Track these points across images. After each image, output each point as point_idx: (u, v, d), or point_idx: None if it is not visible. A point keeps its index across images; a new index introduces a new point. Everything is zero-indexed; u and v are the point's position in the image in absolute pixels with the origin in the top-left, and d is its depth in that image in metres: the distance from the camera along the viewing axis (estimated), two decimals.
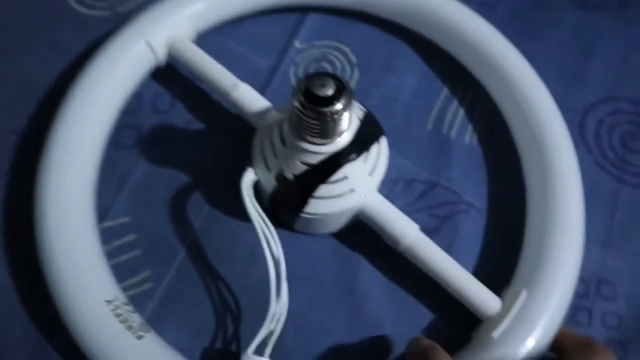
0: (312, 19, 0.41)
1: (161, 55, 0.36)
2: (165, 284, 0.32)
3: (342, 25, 0.41)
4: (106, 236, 0.33)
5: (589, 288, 0.34)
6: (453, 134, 0.37)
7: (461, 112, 0.38)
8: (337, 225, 0.33)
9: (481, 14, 0.39)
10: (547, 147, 0.33)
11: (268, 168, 0.30)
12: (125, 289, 0.32)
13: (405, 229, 0.31)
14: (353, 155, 0.29)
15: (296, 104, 0.26)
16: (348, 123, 0.28)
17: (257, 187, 0.31)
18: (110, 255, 0.33)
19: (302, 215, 0.30)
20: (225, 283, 0.32)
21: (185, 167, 0.35)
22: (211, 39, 0.39)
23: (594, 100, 0.39)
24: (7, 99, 0.37)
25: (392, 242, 0.31)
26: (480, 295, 0.30)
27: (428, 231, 0.31)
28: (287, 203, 0.30)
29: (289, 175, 0.29)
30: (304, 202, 0.29)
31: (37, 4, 0.41)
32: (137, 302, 0.31)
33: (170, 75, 0.38)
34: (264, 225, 0.30)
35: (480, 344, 0.30)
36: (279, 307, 0.29)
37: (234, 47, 0.39)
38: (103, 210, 0.34)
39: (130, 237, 0.34)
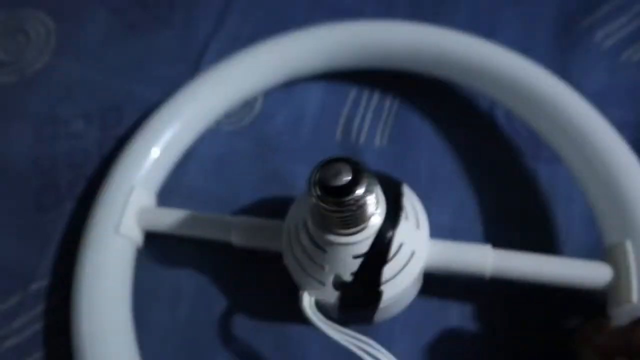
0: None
1: (137, 237, 0.33)
2: None
3: None
4: (35, 299, 0.34)
5: None
6: (362, 140, 0.38)
7: (369, 117, 0.38)
8: (413, 295, 0.31)
9: (386, 12, 0.40)
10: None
11: (321, 282, 0.28)
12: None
13: (482, 258, 0.29)
14: (397, 220, 0.27)
15: (324, 204, 0.24)
16: (376, 196, 0.26)
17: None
18: (41, 316, 0.33)
19: (381, 306, 0.28)
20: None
21: None
22: None
23: None
24: None
25: (476, 276, 0.29)
26: (589, 269, 0.29)
27: None
28: (361, 304, 0.28)
29: (348, 278, 0.27)
30: (378, 294, 0.27)
31: None
32: None
33: None
34: (363, 344, 0.27)
35: (622, 313, 0.28)
36: None
37: None
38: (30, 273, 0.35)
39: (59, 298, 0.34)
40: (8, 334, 0.33)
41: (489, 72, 0.35)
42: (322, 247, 0.27)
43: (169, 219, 0.33)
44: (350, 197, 0.23)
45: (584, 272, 0.29)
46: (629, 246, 0.28)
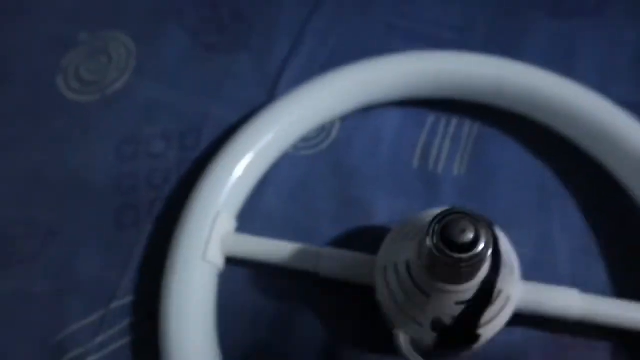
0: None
1: (221, 263, 0.34)
2: None
3: None
4: (116, 316, 0.35)
5: None
6: (440, 168, 0.38)
7: (447, 144, 0.38)
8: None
9: (461, 39, 0.40)
10: None
11: (419, 323, 0.28)
12: None
13: (569, 303, 0.30)
14: (499, 267, 0.27)
15: (446, 258, 0.24)
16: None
17: None
18: (122, 333, 0.34)
19: (474, 347, 0.29)
20: None
21: None
22: None
23: None
24: (15, 191, 0.39)
25: (561, 317, 0.31)
26: None
27: None
28: (458, 346, 0.29)
29: (448, 321, 0.28)
30: (476, 337, 0.28)
31: (28, 93, 0.42)
32: None
33: None
34: None
35: None
36: None
37: None
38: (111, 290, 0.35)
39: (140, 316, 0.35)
40: (90, 350, 0.34)
41: (570, 115, 0.35)
42: (427, 292, 0.27)
43: (255, 246, 0.33)
44: (472, 254, 0.24)
45: None
46: None
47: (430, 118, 0.39)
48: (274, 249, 0.33)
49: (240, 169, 0.35)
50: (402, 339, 0.28)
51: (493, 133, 0.38)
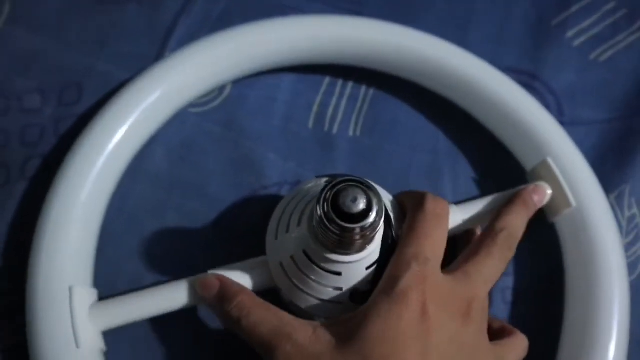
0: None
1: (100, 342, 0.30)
2: None
3: None
4: None
5: None
6: (335, 129, 0.37)
7: (343, 105, 0.37)
8: None
9: (353, 4, 0.39)
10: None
11: (339, 302, 0.27)
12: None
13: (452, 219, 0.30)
14: (389, 217, 0.28)
15: (344, 230, 0.24)
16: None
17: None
18: None
19: None
20: None
21: None
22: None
23: None
24: None
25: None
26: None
27: None
28: None
29: (364, 287, 0.27)
30: None
31: None
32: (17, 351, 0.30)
33: None
34: None
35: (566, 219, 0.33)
36: None
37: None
38: None
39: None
40: None
41: (455, 82, 0.36)
42: (337, 271, 0.26)
43: (133, 305, 0.29)
44: (368, 220, 0.24)
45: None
46: (551, 162, 0.33)
47: (327, 79, 0.38)
48: (155, 298, 0.29)
49: (122, 130, 0.33)
50: None
51: (388, 95, 0.38)
